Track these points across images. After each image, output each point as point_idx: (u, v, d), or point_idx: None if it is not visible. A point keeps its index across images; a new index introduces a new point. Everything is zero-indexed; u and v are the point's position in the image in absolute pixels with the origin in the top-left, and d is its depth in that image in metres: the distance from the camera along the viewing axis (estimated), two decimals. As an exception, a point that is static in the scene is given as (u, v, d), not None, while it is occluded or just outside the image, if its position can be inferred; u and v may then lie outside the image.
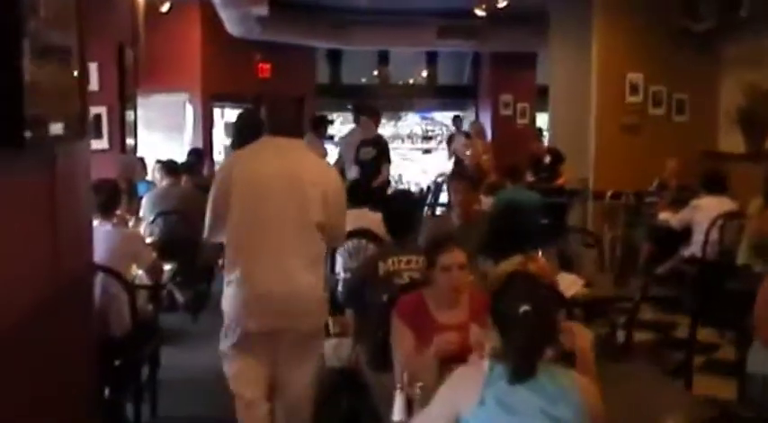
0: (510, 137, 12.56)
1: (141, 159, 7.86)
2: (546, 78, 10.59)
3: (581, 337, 2.40)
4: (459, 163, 9.56)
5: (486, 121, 13.13)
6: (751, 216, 5.93)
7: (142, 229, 5.82)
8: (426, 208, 9.26)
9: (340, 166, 8.04)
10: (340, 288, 4.32)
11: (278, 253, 3.22)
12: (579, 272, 3.98)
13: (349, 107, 12.62)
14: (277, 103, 3.58)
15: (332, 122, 10.12)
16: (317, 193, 3.25)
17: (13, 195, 2.49)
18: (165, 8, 8.48)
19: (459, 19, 11.33)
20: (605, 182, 8.33)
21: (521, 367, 1.91)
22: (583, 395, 1.95)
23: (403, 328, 2.89)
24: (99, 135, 6.07)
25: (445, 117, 14.96)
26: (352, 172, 7.85)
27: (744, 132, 8.13)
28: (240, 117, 5.20)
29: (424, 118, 15.07)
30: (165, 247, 5.44)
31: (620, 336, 3.84)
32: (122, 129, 6.33)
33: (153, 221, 6.16)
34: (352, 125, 8.77)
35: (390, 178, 9.79)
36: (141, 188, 7.09)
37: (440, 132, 14.95)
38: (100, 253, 3.72)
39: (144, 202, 6.45)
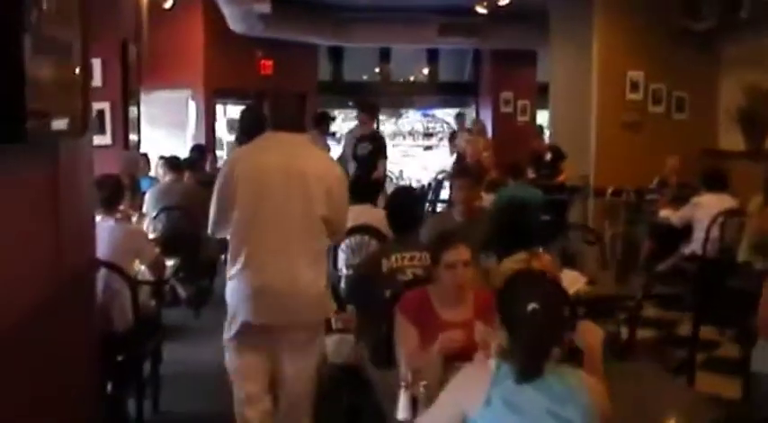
0: (510, 134, 12.51)
1: (144, 155, 7.83)
2: (546, 76, 10.55)
3: (591, 334, 2.36)
4: (460, 160, 9.51)
5: (487, 118, 13.08)
6: (751, 214, 5.89)
7: (145, 224, 5.79)
8: (427, 205, 9.23)
9: (342, 162, 8.00)
10: (342, 284, 4.28)
11: (282, 247, 3.21)
12: (582, 269, 3.93)
13: (350, 104, 12.61)
14: (280, 98, 3.57)
15: (333, 119, 10.08)
16: (322, 188, 3.25)
17: (16, 190, 2.46)
18: (168, 5, 8.43)
19: (460, 16, 11.28)
20: (606, 179, 8.29)
21: (528, 366, 1.86)
22: (591, 396, 1.90)
23: (407, 324, 2.84)
24: (102, 131, 6.03)
25: (446, 114, 14.91)
26: (352, 167, 7.82)
27: (744, 131, 8.10)
28: (244, 113, 5.18)
29: (425, 115, 15.02)
30: (168, 243, 5.41)
31: (623, 333, 3.80)
32: (125, 125, 6.28)
33: (156, 217, 6.14)
34: (356, 122, 8.72)
35: (389, 174, 9.78)
36: (144, 184, 7.06)
37: (441, 129, 14.90)
38: (102, 248, 3.68)
39: (147, 197, 6.43)
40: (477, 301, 2.89)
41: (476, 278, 3.02)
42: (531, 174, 7.99)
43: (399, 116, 14.94)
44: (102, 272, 3.74)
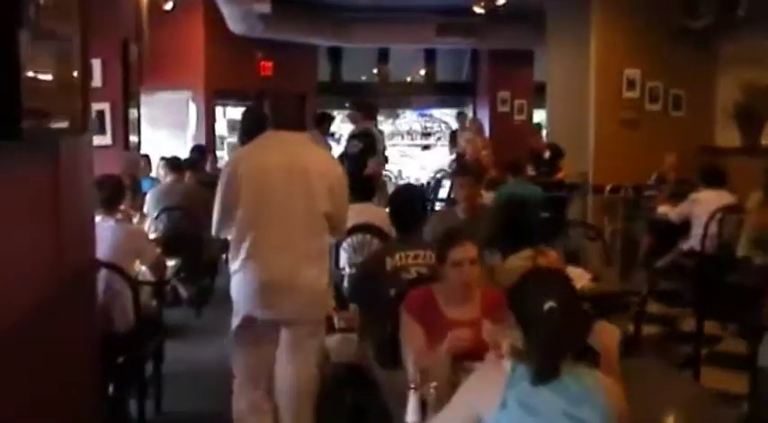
0: (507, 133, 12.44)
1: (146, 156, 7.77)
2: (543, 75, 10.50)
3: (607, 335, 2.26)
4: (460, 159, 9.44)
5: (485, 117, 13.00)
6: (750, 210, 5.83)
7: (146, 225, 5.71)
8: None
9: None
10: (345, 283, 4.19)
11: (285, 243, 3.23)
12: (585, 266, 3.85)
13: (346, 105, 12.54)
14: (280, 98, 3.60)
15: (333, 119, 10.02)
16: (324, 185, 3.28)
17: (14, 188, 2.37)
18: (168, 6, 8.35)
19: (457, 16, 11.20)
20: (604, 176, 8.22)
21: (544, 367, 1.77)
22: (608, 397, 1.81)
23: (412, 323, 2.74)
24: (102, 131, 5.93)
25: (444, 114, 14.85)
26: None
27: (740, 127, 8.05)
28: (245, 114, 5.13)
29: (422, 115, 14.94)
30: (169, 243, 5.36)
31: (628, 329, 3.72)
32: (126, 125, 6.18)
33: (157, 217, 6.08)
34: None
35: (387, 173, 9.69)
36: (145, 185, 6.99)
37: (439, 129, 14.83)
38: (103, 249, 3.59)
39: (148, 198, 6.37)
40: (485, 300, 2.80)
41: (481, 276, 2.92)
42: (530, 171, 7.91)
43: (397, 116, 14.86)
44: (103, 272, 3.66)
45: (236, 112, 11.36)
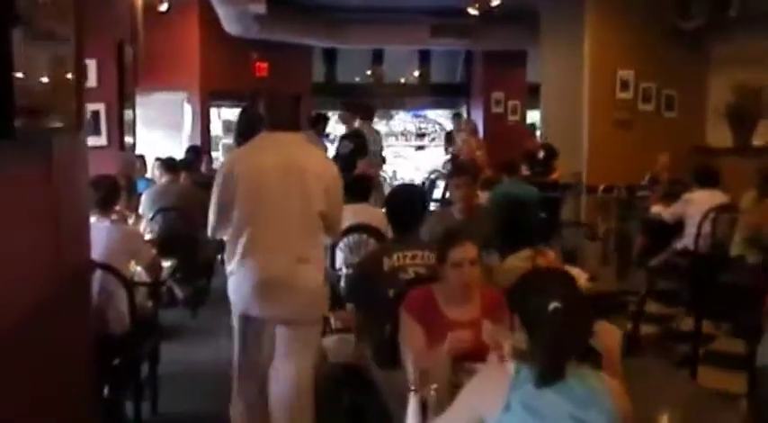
0: (501, 134, 12.41)
1: (141, 157, 7.71)
2: (536, 76, 10.48)
3: (608, 335, 2.22)
4: (454, 159, 9.40)
5: (478, 118, 12.96)
6: (745, 209, 5.81)
7: (142, 226, 5.65)
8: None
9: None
10: (342, 283, 4.14)
11: (281, 243, 3.22)
12: (582, 266, 3.81)
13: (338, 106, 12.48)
14: (275, 98, 3.55)
15: (328, 120, 9.97)
16: (320, 185, 3.28)
17: (8, 188, 2.32)
18: (163, 7, 8.29)
19: (451, 18, 11.16)
20: (598, 176, 8.21)
21: (549, 369, 1.71)
22: (614, 399, 1.76)
23: (412, 323, 2.69)
24: (97, 132, 5.87)
25: (438, 115, 14.81)
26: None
27: (732, 128, 8.05)
28: (241, 114, 5.08)
29: (416, 116, 14.90)
30: (165, 244, 5.30)
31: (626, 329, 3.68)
32: (121, 126, 6.11)
33: (152, 218, 6.02)
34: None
35: (382, 174, 9.62)
36: (141, 185, 6.93)
37: (433, 130, 14.80)
38: (98, 249, 3.54)
39: (143, 198, 6.31)
40: (484, 300, 2.75)
41: (480, 276, 2.88)
42: (524, 171, 7.88)
43: (391, 117, 14.81)
44: (98, 273, 3.59)
45: (231, 113, 11.32)
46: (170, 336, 5.15)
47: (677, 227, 6.41)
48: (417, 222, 3.64)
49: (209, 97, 10.42)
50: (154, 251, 4.40)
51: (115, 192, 4.19)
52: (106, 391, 3.60)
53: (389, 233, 4.41)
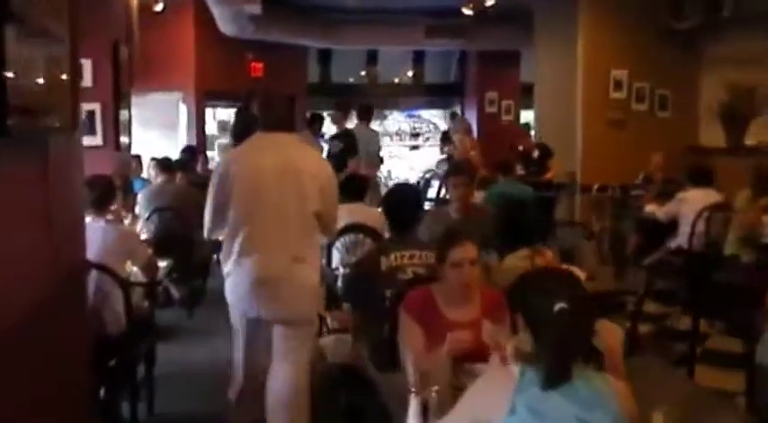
0: (495, 133, 12.38)
1: (137, 157, 7.64)
2: (529, 76, 10.45)
3: (610, 335, 2.17)
4: (450, 158, 9.37)
5: (472, 118, 12.92)
6: (739, 208, 5.78)
7: (138, 226, 5.59)
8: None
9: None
10: (339, 283, 4.09)
11: (277, 243, 3.21)
12: (579, 265, 3.77)
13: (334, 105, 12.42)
14: (269, 99, 3.53)
15: (324, 120, 9.92)
16: (316, 185, 3.28)
17: (2, 188, 2.27)
18: (158, 8, 8.22)
19: (446, 18, 11.12)
20: (592, 175, 8.18)
21: (556, 371, 1.67)
22: (620, 400, 1.72)
23: (411, 324, 2.64)
24: (93, 132, 5.80)
25: (432, 115, 14.78)
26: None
27: (725, 127, 8.04)
28: (238, 115, 5.04)
29: (410, 116, 14.87)
30: (161, 244, 5.24)
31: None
32: (116, 126, 6.05)
33: (148, 218, 5.96)
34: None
35: (380, 173, 9.58)
36: (136, 185, 6.86)
37: (427, 130, 14.77)
38: (94, 250, 3.49)
39: (139, 198, 6.24)
40: (484, 300, 2.71)
41: (480, 276, 2.83)
42: (519, 171, 7.85)
43: (384, 117, 14.77)
44: (94, 274, 3.54)
45: (226, 114, 11.26)
46: (166, 336, 5.10)
47: (671, 226, 6.39)
48: (415, 222, 3.60)
49: (205, 97, 10.35)
50: (150, 251, 4.35)
51: (110, 192, 4.14)
52: (102, 391, 3.55)
53: (385, 232, 4.38)
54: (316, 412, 3.38)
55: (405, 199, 3.70)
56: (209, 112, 10.87)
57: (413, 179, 12.40)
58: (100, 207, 3.93)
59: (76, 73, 2.96)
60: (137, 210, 6.07)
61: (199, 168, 8.38)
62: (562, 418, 1.68)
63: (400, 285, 3.09)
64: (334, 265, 4.50)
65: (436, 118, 14.76)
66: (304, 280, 3.26)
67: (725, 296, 5.01)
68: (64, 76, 2.72)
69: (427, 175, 11.30)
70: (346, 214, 4.67)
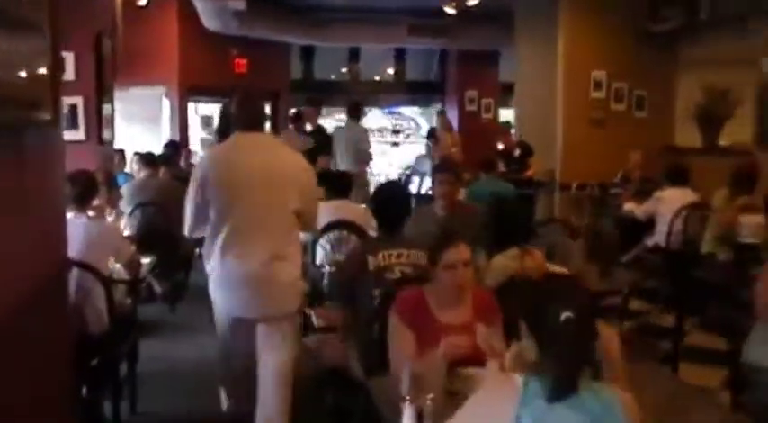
0: (475, 131, 12.34)
1: (120, 151, 7.46)
2: (509, 76, 10.39)
3: (608, 340, 2.07)
4: (430, 154, 9.31)
5: (453, 116, 12.86)
6: (717, 207, 5.75)
7: (123, 223, 5.43)
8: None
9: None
10: (325, 280, 3.97)
11: (258, 242, 3.16)
12: (565, 264, 3.69)
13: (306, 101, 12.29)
14: (247, 97, 3.41)
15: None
16: (294, 183, 3.24)
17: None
18: (142, 2, 8.04)
19: (428, 17, 11.03)
20: (571, 174, 8.15)
21: (562, 383, 1.56)
22: (627, 413, 1.62)
23: (402, 328, 2.53)
24: (75, 126, 5.61)
25: (414, 112, 14.69)
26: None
27: (700, 128, 8.03)
28: (222, 112, 4.91)
29: (391, 113, 14.77)
30: (144, 240, 5.09)
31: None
32: (99, 120, 5.86)
33: (131, 213, 5.79)
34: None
35: (368, 169, 9.46)
36: (120, 180, 6.68)
37: (408, 126, 14.70)
38: (75, 247, 3.34)
39: (123, 193, 6.06)
40: (476, 302, 2.60)
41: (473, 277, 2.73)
42: (501, 168, 7.79)
43: (365, 114, 14.65)
44: (75, 271, 3.39)
45: (209, 109, 11.08)
46: (149, 332, 4.97)
47: (648, 224, 6.36)
48: (403, 220, 3.49)
49: (188, 92, 10.17)
50: (133, 248, 4.20)
51: (92, 187, 3.98)
52: (84, 390, 3.41)
53: (370, 229, 4.28)
54: (302, 412, 3.31)
55: (393, 197, 3.59)
56: (191, 106, 10.69)
57: (393, 175, 12.32)
58: (82, 203, 3.77)
59: (58, 66, 2.81)
60: (121, 205, 5.90)
61: (182, 163, 8.25)
62: None
63: (388, 285, 2.98)
64: (318, 262, 4.39)
65: (417, 115, 14.69)
66: (286, 277, 3.22)
67: (702, 293, 4.99)
68: (44, 69, 2.58)
69: (407, 172, 11.22)
70: (331, 211, 4.57)
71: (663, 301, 5.46)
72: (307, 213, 3.31)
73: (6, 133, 2.30)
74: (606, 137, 8.23)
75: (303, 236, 3.93)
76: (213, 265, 3.22)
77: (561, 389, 1.58)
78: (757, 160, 6.12)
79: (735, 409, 3.09)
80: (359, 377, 2.78)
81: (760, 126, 7.14)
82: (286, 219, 3.21)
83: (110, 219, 5.03)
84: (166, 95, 9.84)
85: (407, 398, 1.84)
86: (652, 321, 5.45)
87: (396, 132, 14.66)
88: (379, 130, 14.56)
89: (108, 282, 3.54)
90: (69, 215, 3.41)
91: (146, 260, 4.34)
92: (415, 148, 13.66)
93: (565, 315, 1.57)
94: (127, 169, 7.41)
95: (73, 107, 5.60)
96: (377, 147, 14.40)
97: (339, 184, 5.02)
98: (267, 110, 10.54)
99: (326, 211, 4.41)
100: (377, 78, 14.67)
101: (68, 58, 5.40)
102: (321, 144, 7.71)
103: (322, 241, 4.45)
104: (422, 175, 10.24)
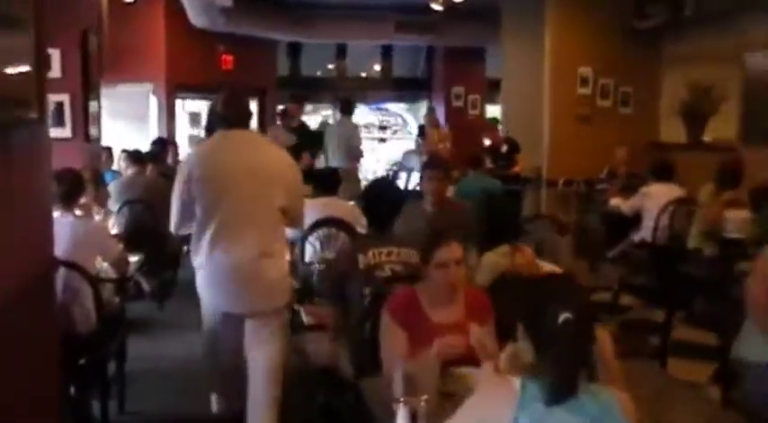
0: (462, 127, 12.30)
1: (108, 149, 7.37)
2: (495, 72, 10.37)
3: (603, 341, 2.04)
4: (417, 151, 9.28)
5: (440, 112, 12.84)
6: (703, 203, 5.76)
7: (111, 221, 5.35)
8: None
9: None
10: (315, 278, 3.93)
11: (244, 239, 3.14)
12: (555, 260, 3.67)
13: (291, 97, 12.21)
14: (233, 94, 3.40)
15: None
16: (280, 180, 3.23)
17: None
18: (129, -2, 7.94)
19: (415, 14, 10.99)
20: (558, 170, 8.13)
21: (562, 385, 1.53)
22: (625, 415, 1.59)
23: (395, 327, 2.49)
24: (62, 123, 5.53)
25: (401, 108, 14.65)
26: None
27: (685, 124, 8.04)
28: (212, 109, 4.85)
29: (378, 109, 14.72)
30: (131, 237, 5.03)
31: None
32: (86, 117, 5.77)
33: (119, 211, 5.72)
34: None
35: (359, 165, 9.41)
36: (107, 177, 6.60)
37: (395, 123, 14.66)
38: (62, 245, 3.27)
39: (111, 191, 5.98)
40: (468, 300, 2.56)
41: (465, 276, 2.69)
42: (488, 164, 7.77)
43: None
44: (62, 270, 3.33)
45: (196, 106, 10.98)
46: (137, 330, 4.89)
47: (635, 219, 6.37)
48: (393, 218, 3.45)
49: (175, 89, 10.06)
50: (120, 246, 4.14)
51: (79, 185, 3.91)
52: (72, 390, 3.35)
53: (359, 226, 4.24)
54: (293, 411, 3.29)
55: (383, 194, 3.55)
56: (179, 103, 10.59)
57: (380, 171, 12.29)
58: (68, 201, 3.71)
59: (43, 62, 2.75)
60: (109, 203, 5.83)
61: (169, 160, 8.15)
62: None
63: (379, 283, 2.95)
64: (307, 260, 4.34)
65: (404, 111, 14.65)
66: (274, 273, 3.21)
67: (689, 288, 4.99)
68: (30, 67, 2.52)
69: (394, 168, 11.18)
70: (320, 208, 4.52)
71: (650, 297, 5.45)
72: (293, 210, 3.30)
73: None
74: (592, 133, 8.23)
75: (292, 233, 3.90)
76: (201, 261, 3.20)
77: (560, 392, 1.55)
78: (742, 156, 6.13)
79: (724, 404, 3.09)
80: (349, 377, 2.74)
81: (744, 122, 7.17)
82: (272, 214, 3.20)
83: (97, 217, 4.96)
84: (153, 92, 9.73)
85: (401, 399, 1.80)
86: (640, 317, 5.45)
87: (383, 128, 14.61)
88: (366, 127, 14.50)
89: (95, 281, 3.48)
90: (56, 214, 3.36)
91: (133, 258, 4.29)
92: (402, 144, 13.62)
93: (563, 316, 1.53)
94: (114, 167, 7.31)
95: (59, 104, 5.52)
96: (364, 143, 14.39)
97: (327, 182, 4.97)
98: (254, 107, 10.46)
99: (314, 209, 4.37)
100: (364, 75, 14.61)
101: (54, 55, 5.33)
102: (304, 141, 7.63)
103: (311, 239, 4.41)
104: (409, 171, 10.22)
